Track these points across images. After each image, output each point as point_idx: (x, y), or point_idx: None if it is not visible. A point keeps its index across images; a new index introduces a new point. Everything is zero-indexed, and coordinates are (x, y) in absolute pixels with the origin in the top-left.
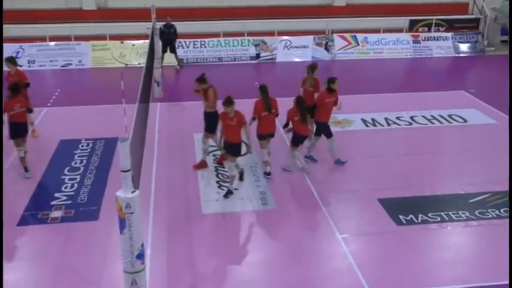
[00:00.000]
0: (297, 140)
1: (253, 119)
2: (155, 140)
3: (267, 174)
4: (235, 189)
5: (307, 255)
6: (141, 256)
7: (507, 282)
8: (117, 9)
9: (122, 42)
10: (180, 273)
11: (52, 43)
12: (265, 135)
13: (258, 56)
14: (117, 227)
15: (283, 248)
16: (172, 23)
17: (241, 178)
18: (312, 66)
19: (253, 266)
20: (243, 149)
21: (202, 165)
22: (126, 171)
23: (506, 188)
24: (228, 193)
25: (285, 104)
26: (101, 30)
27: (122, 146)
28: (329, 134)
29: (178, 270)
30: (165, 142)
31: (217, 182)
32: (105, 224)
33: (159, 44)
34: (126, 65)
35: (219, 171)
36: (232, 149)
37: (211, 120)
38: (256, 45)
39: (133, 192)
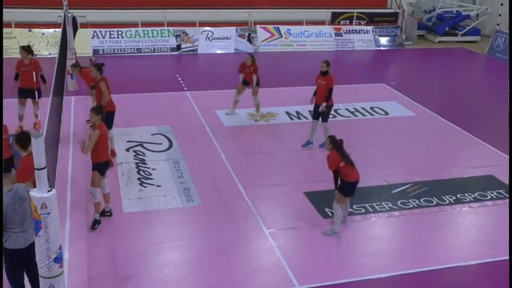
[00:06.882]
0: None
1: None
2: (70, 136)
3: None
4: (159, 186)
5: (234, 252)
6: (59, 260)
7: (428, 268)
8: None
9: (30, 31)
10: (101, 276)
11: None
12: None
13: (178, 47)
14: None
15: (210, 245)
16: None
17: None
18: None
19: (178, 266)
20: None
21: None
22: (41, 169)
23: (425, 178)
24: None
25: (201, 96)
26: (6, 17)
27: (35, 142)
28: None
29: (98, 274)
30: (81, 138)
31: (139, 179)
32: None
33: (71, 33)
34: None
35: (141, 168)
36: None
37: None
38: (177, 36)
39: (49, 191)
